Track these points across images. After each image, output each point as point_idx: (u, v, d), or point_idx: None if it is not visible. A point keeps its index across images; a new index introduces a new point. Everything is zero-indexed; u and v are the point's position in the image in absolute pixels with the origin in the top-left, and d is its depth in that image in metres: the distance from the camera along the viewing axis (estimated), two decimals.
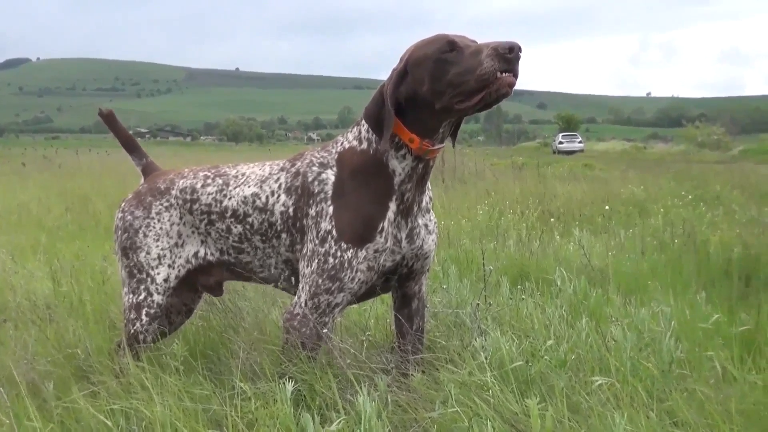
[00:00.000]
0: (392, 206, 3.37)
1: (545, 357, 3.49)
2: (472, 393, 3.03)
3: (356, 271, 3.34)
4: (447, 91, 3.14)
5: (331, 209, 3.36)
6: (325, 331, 3.38)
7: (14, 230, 9.45)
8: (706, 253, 6.53)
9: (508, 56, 3.01)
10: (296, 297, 3.45)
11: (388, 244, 3.39)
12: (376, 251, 3.37)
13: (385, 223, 3.36)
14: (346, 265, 3.31)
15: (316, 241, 3.37)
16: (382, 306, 4.46)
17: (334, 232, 3.33)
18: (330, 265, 3.32)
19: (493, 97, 3.09)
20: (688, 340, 3.81)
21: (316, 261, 3.35)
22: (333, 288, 3.33)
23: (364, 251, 3.34)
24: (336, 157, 3.47)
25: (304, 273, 3.43)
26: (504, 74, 3.01)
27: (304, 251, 3.45)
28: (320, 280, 3.34)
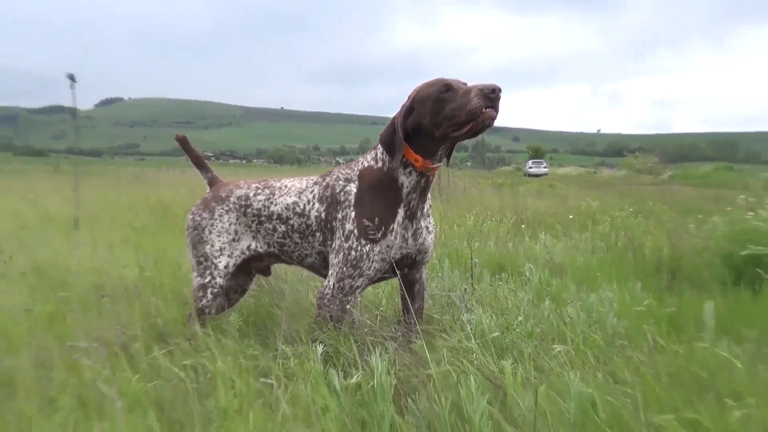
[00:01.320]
0: (401, 212, 3.40)
1: (516, 330, 3.50)
2: (460, 356, 3.03)
3: (372, 261, 3.37)
4: (444, 123, 3.20)
5: (353, 214, 3.39)
6: (348, 307, 3.40)
7: (110, 229, 9.46)
8: (642, 253, 6.50)
9: (491, 96, 3.06)
10: (326, 281, 3.45)
11: (397, 240, 3.41)
12: (388, 246, 3.39)
13: (395, 225, 3.39)
14: (365, 256, 3.34)
15: (342, 238, 3.40)
16: (392, 289, 4.46)
17: (355, 231, 3.36)
18: (353, 257, 3.35)
19: (479, 127, 3.13)
20: (627, 319, 3.78)
21: (342, 253, 3.37)
22: (355, 274, 3.36)
23: (378, 246, 3.36)
24: (357, 173, 3.50)
25: (332, 262, 3.45)
26: (488, 109, 3.07)
27: (333, 246, 3.47)
28: (345, 268, 3.36)
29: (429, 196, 3.56)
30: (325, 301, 3.40)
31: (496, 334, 3.38)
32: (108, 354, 3.22)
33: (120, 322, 4.00)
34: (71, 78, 6.27)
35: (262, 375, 3.00)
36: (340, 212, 3.47)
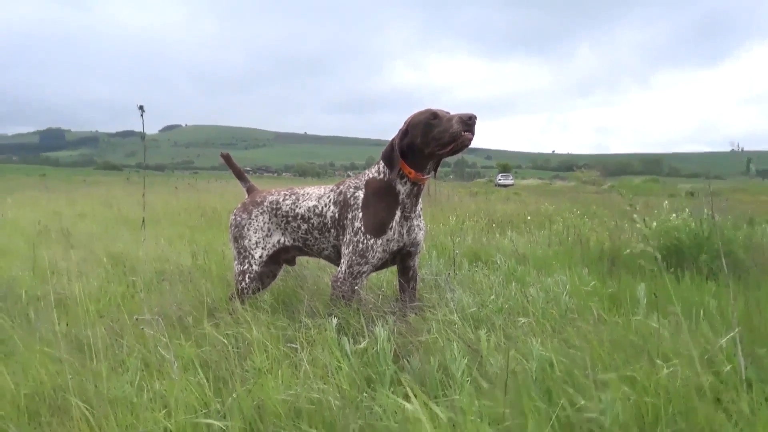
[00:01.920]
0: (398, 213, 3.39)
1: (489, 306, 3.46)
2: (445, 327, 3.00)
3: (376, 252, 3.35)
4: (431, 143, 3.22)
5: (360, 214, 3.38)
6: (356, 288, 3.37)
7: (170, 227, 9.46)
8: (588, 246, 6.48)
9: (468, 122, 3.09)
10: (339, 267, 3.43)
11: (395, 236, 3.40)
12: (388, 240, 3.37)
13: (393, 223, 3.38)
14: (369, 248, 3.33)
15: (352, 234, 3.38)
16: (391, 274, 4.43)
17: (362, 228, 3.35)
18: (360, 248, 3.33)
19: (459, 147, 3.16)
20: (577, 297, 3.76)
21: (352, 245, 3.36)
22: (362, 262, 3.34)
23: (380, 240, 3.34)
24: (364, 182, 3.50)
25: (344, 253, 3.43)
26: (466, 133, 3.09)
27: (345, 240, 3.45)
28: (354, 257, 3.34)
29: (420, 201, 3.54)
30: (338, 283, 3.38)
31: (473, 309, 3.35)
32: (167, 325, 3.20)
33: (177, 300, 3.98)
34: (141, 108, 6.27)
35: (289, 341, 2.97)
36: (350, 213, 3.45)
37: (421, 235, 3.58)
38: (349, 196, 3.51)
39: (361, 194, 3.47)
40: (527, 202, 17.41)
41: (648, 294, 3.57)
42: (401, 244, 3.48)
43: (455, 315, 3.14)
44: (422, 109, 3.35)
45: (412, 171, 3.34)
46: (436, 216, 10.38)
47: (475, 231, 8.37)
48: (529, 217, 10.31)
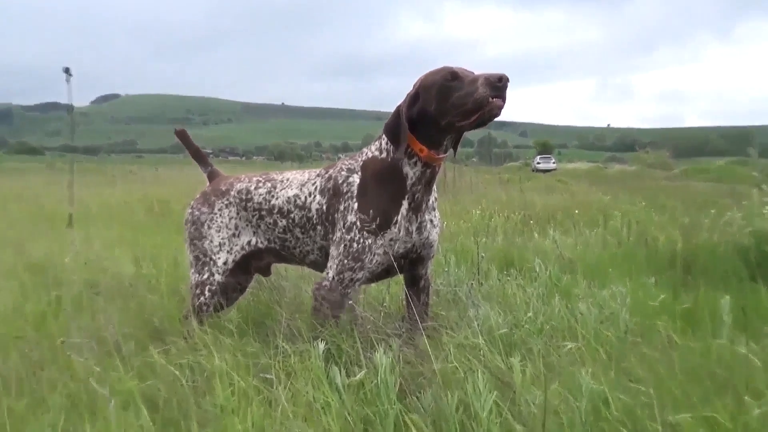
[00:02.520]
0: (405, 204, 3.39)
1: (525, 326, 3.47)
2: (467, 352, 3.01)
3: (374, 255, 3.35)
4: (450, 111, 3.19)
5: (356, 205, 3.38)
6: (348, 301, 3.38)
7: (106, 227, 9.48)
8: (655, 248, 6.49)
9: (498, 85, 3.05)
10: (325, 272, 3.44)
11: (401, 234, 3.39)
12: (391, 239, 3.37)
13: (399, 217, 3.37)
14: (367, 249, 3.33)
15: (344, 230, 3.38)
16: (396, 285, 4.44)
17: (358, 223, 3.34)
18: (354, 249, 3.33)
19: (486, 117, 3.12)
20: (640, 315, 3.76)
21: (343, 245, 3.36)
22: (356, 267, 3.34)
23: (381, 239, 3.34)
24: (361, 164, 3.49)
25: (332, 255, 3.43)
26: (495, 99, 3.06)
27: (335, 238, 3.45)
28: (346, 261, 3.35)
29: (434, 188, 3.53)
30: (323, 292, 3.38)
31: (504, 330, 3.36)
32: (101, 352, 3.21)
33: (114, 320, 3.98)
34: (67, 72, 6.28)
35: (262, 372, 2.98)
36: (342, 204, 3.44)
37: (434, 234, 3.58)
38: (340, 181, 3.50)
39: (356, 179, 3.46)
40: (575, 192, 17.45)
41: (734, 310, 3.57)
42: (409, 246, 3.48)
43: (480, 338, 3.14)
44: (437, 67, 3.33)
45: (424, 148, 3.32)
46: (456, 209, 10.41)
47: (507, 229, 8.39)
48: (577, 211, 10.31)
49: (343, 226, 3.40)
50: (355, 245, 3.34)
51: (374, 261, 3.37)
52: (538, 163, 65.67)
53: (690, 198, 15.44)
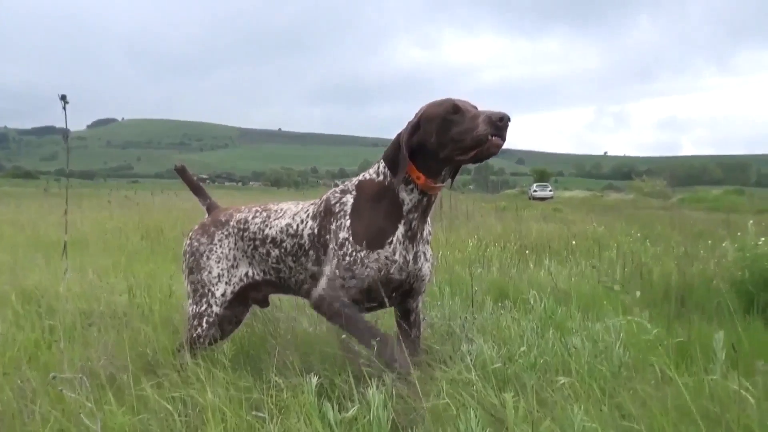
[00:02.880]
0: (401, 228, 3.38)
1: (519, 360, 3.48)
2: (460, 388, 3.01)
3: (367, 268, 3.32)
4: (449, 145, 3.21)
5: (348, 222, 3.39)
6: (344, 299, 3.36)
7: (100, 254, 9.47)
8: (650, 279, 6.50)
9: (498, 124, 3.08)
10: (318, 283, 3.46)
11: (398, 258, 3.38)
12: (386, 258, 3.35)
13: (395, 239, 3.37)
14: (359, 261, 3.32)
15: (336, 248, 3.38)
16: (390, 319, 4.44)
17: (350, 238, 3.35)
18: (346, 262, 3.33)
19: (484, 155, 3.15)
20: (634, 349, 3.77)
21: (336, 260, 3.37)
22: (347, 276, 3.33)
23: (375, 254, 3.33)
24: (356, 184, 3.52)
25: (324, 271, 3.45)
26: (494, 138, 3.08)
27: (327, 257, 3.46)
28: (338, 272, 3.35)
29: (429, 221, 3.54)
30: (318, 297, 3.40)
31: (498, 365, 3.36)
32: (93, 385, 3.20)
33: (107, 351, 3.98)
34: (63, 99, 6.30)
35: (254, 408, 2.98)
36: (334, 223, 3.45)
37: (427, 268, 3.57)
38: (333, 202, 3.51)
39: (350, 198, 3.47)
40: (571, 221, 17.45)
41: (727, 345, 3.58)
42: (404, 275, 3.47)
43: (473, 372, 3.14)
44: (440, 98, 3.35)
45: (422, 176, 3.33)
46: (451, 239, 10.40)
47: (503, 259, 8.38)
48: (573, 242, 10.33)
49: (336, 244, 3.40)
50: (347, 258, 3.34)
51: (365, 274, 3.33)
52: (535, 191, 65.88)
53: (686, 227, 15.46)
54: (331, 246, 3.43)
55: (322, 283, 3.41)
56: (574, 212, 24.68)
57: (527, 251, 9.28)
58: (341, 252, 3.36)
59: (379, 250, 3.35)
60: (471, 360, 3.39)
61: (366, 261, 3.33)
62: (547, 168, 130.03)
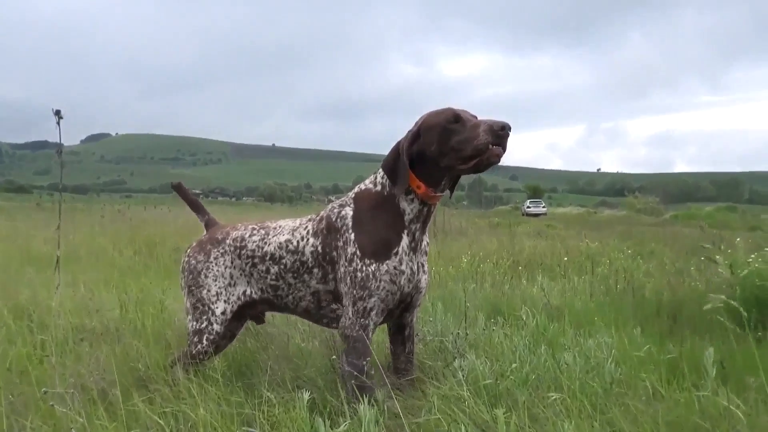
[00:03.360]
0: (405, 238, 3.39)
1: (511, 377, 3.48)
2: (451, 404, 3.02)
3: (380, 281, 3.33)
4: (449, 154, 3.23)
5: (353, 236, 3.38)
6: (369, 331, 3.37)
7: (93, 268, 9.45)
8: (642, 296, 6.52)
9: (500, 133, 3.10)
10: (344, 310, 3.43)
11: (406, 268, 3.39)
12: (395, 269, 3.36)
13: (400, 249, 3.38)
14: (371, 276, 3.32)
15: (347, 264, 3.37)
16: (381, 334, 4.45)
17: (358, 252, 3.35)
18: (359, 278, 3.33)
19: (485, 164, 3.18)
20: (626, 365, 3.77)
21: (349, 277, 3.36)
22: (364, 295, 3.33)
23: (385, 266, 3.34)
24: (353, 197, 3.53)
25: (344, 291, 3.43)
26: (494, 147, 3.10)
27: (339, 275, 3.45)
28: (354, 291, 3.34)
29: (426, 233, 3.55)
30: (347, 330, 3.38)
31: (490, 381, 3.37)
32: (85, 400, 3.19)
33: (99, 366, 3.97)
34: (57, 114, 6.29)
35: (246, 424, 2.98)
36: (341, 239, 3.44)
37: (424, 280, 3.58)
38: (334, 218, 3.50)
39: (349, 211, 3.47)
40: (564, 237, 17.47)
41: (719, 361, 3.59)
42: (411, 287, 3.48)
43: (464, 388, 3.15)
44: (441, 108, 3.36)
45: (422, 185, 3.34)
46: (444, 255, 10.41)
47: (496, 276, 8.40)
48: (566, 258, 10.34)
49: (346, 260, 3.39)
50: (359, 274, 3.33)
51: (381, 288, 3.34)
52: (528, 207, 65.93)
53: (678, 245, 15.50)
54: (342, 261, 3.42)
55: (348, 306, 3.40)
56: (567, 228, 24.74)
57: (520, 267, 9.31)
58: (351, 268, 3.36)
59: (387, 261, 3.35)
60: (463, 376, 3.39)
61: (377, 274, 3.33)
62: (540, 184, 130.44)
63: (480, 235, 16.13)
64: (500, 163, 3.21)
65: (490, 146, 3.09)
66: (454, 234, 16.28)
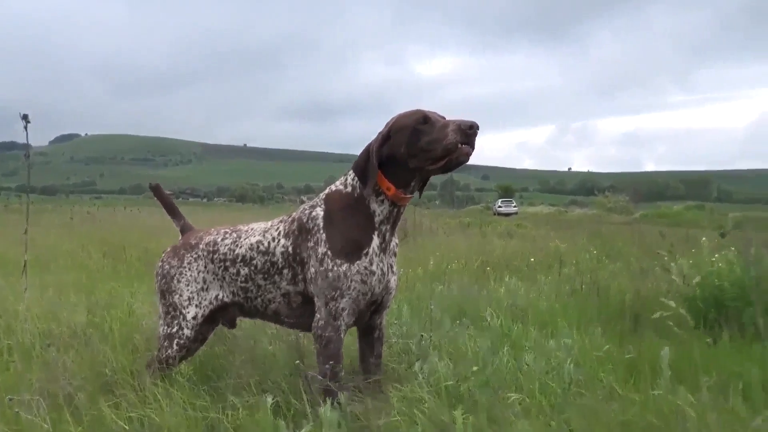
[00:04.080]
0: (376, 239, 3.43)
1: (472, 378, 3.54)
2: (412, 406, 3.07)
3: (351, 281, 3.37)
4: (419, 155, 3.28)
5: (324, 236, 3.41)
6: (341, 333, 3.41)
7: (62, 271, 9.39)
8: (606, 296, 6.61)
9: (468, 132, 3.17)
10: (317, 311, 3.46)
11: (376, 269, 3.43)
12: (366, 269, 3.40)
13: (371, 250, 3.41)
14: (342, 276, 3.35)
15: (317, 264, 3.40)
16: (349, 336, 4.49)
17: (329, 252, 3.38)
18: (330, 278, 3.36)
19: (454, 163, 3.24)
20: (585, 365, 3.86)
21: (320, 278, 3.39)
22: (336, 295, 3.36)
23: (356, 266, 3.37)
24: (324, 197, 3.56)
25: (316, 292, 3.46)
26: (463, 146, 3.17)
27: (309, 276, 3.47)
28: (327, 291, 3.38)
29: (396, 234, 3.59)
30: (319, 331, 3.41)
31: (451, 382, 3.42)
32: (51, 406, 3.21)
33: (66, 371, 3.98)
34: (25, 119, 6.25)
35: (211, 428, 3.01)
36: (311, 240, 3.46)
37: (394, 281, 3.62)
38: (305, 219, 3.53)
39: (320, 212, 3.50)
40: (534, 237, 17.58)
41: (677, 361, 3.69)
42: (381, 288, 3.51)
43: (425, 390, 3.20)
44: (410, 109, 3.42)
45: (392, 187, 3.38)
46: (412, 257, 10.44)
47: (464, 276, 8.44)
48: (532, 259, 10.43)
49: (317, 260, 3.42)
50: (330, 274, 3.36)
51: (352, 288, 3.37)
52: (500, 206, 66.07)
53: (646, 243, 15.63)
54: (311, 262, 3.45)
55: (321, 307, 3.43)
56: (538, 228, 24.82)
57: (488, 268, 9.37)
58: (323, 268, 3.38)
59: (358, 262, 3.38)
60: (424, 378, 3.45)
61: (348, 274, 3.36)
62: (512, 184, 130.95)
63: (450, 236, 16.19)
64: (472, 163, 3.28)
65: (459, 145, 3.16)
66: (424, 234, 16.30)
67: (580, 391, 3.45)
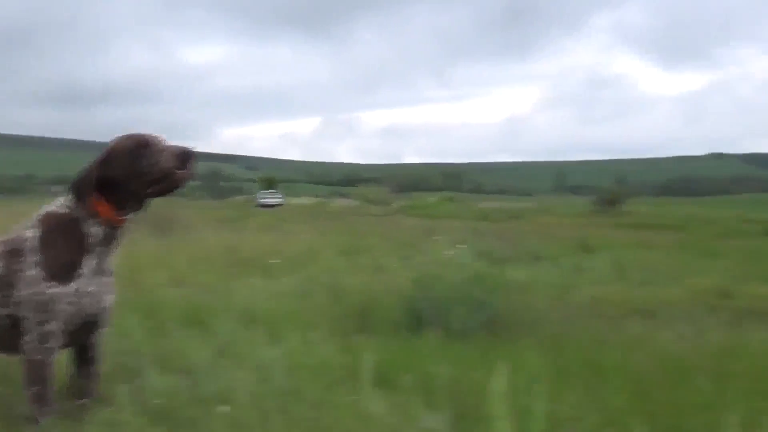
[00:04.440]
0: (89, 260, 3.37)
1: (186, 392, 3.57)
2: (114, 429, 3.06)
3: (62, 303, 3.29)
4: (137, 178, 3.29)
5: (35, 258, 3.30)
6: (50, 356, 3.33)
7: None
8: (339, 296, 6.79)
9: (183, 157, 3.23)
10: (26, 334, 3.33)
11: (90, 290, 3.38)
12: (78, 290, 3.33)
13: (84, 271, 3.35)
14: (53, 299, 3.26)
15: (27, 287, 3.28)
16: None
17: (40, 274, 3.27)
18: (40, 300, 3.25)
19: (171, 187, 3.31)
20: (302, 372, 3.96)
21: (30, 302, 3.28)
22: (44, 318, 3.27)
23: (68, 288, 3.29)
24: (39, 218, 3.44)
25: (24, 316, 3.33)
26: (179, 171, 3.23)
27: (19, 298, 3.33)
28: (35, 314, 3.27)
29: (113, 254, 3.53)
30: (27, 354, 3.31)
31: (160, 400, 3.42)
32: None
33: None
34: None
35: None
36: (24, 261, 3.33)
37: (108, 300, 3.56)
38: (20, 241, 3.40)
39: (35, 233, 3.38)
40: (292, 232, 17.64)
41: (386, 362, 3.93)
42: (94, 309, 3.45)
43: (126, 411, 3.19)
44: (132, 132, 3.40)
45: (107, 209, 3.36)
46: (159, 255, 10.08)
47: (210, 277, 8.37)
48: (278, 261, 10.27)
49: (26, 284, 3.30)
50: (40, 297, 3.26)
51: (63, 310, 3.30)
52: (264, 198, 65.97)
53: (397, 236, 16.30)
54: (21, 285, 3.32)
55: (27, 330, 3.31)
56: (298, 221, 25.01)
57: (234, 268, 9.35)
58: (32, 291, 3.27)
59: (70, 284, 3.31)
60: (132, 396, 3.43)
61: (61, 296, 3.28)
62: (277, 175, 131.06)
63: (204, 232, 15.91)
64: (236, 153, 3.32)
65: (176, 171, 3.22)
66: (178, 230, 15.89)
67: (290, 400, 3.55)
